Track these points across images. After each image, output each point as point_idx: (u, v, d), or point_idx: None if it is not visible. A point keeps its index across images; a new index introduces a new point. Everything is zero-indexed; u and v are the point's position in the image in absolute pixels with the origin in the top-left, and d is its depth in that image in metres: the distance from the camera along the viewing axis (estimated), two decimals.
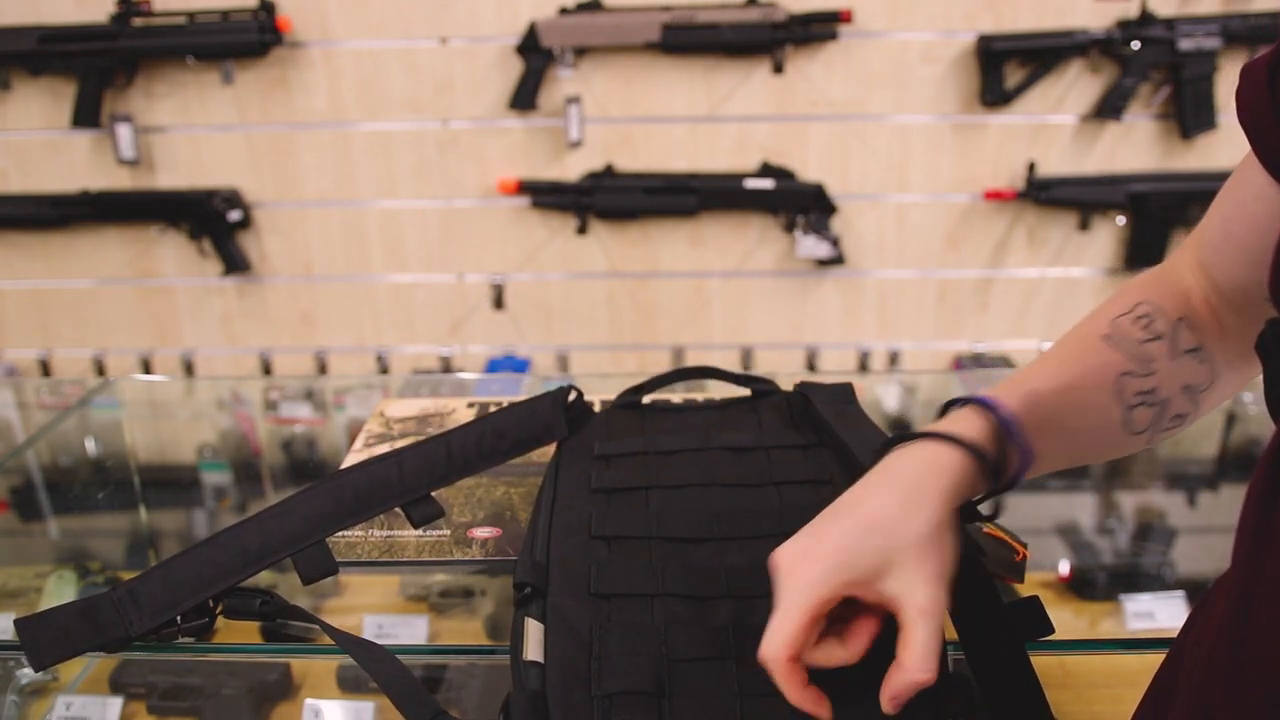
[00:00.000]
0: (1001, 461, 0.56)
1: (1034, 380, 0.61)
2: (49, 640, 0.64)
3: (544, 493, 0.73)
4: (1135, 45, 2.06)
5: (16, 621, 0.65)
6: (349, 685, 1.13)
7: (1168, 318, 0.62)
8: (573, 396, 0.81)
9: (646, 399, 0.91)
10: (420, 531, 0.83)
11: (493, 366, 2.38)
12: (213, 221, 2.25)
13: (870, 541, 0.51)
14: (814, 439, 0.77)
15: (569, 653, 0.57)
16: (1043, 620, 0.60)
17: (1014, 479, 0.58)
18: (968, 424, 0.56)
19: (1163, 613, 1.09)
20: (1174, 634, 0.57)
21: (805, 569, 0.51)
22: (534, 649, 0.58)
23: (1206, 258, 0.61)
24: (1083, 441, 0.62)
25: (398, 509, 0.75)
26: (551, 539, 0.66)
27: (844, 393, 0.82)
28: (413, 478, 0.74)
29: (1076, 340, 0.64)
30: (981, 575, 0.61)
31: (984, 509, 0.61)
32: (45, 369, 2.46)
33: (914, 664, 0.49)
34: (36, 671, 0.64)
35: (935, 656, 0.49)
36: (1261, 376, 0.62)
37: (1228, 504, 1.36)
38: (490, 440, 0.77)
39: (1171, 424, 0.63)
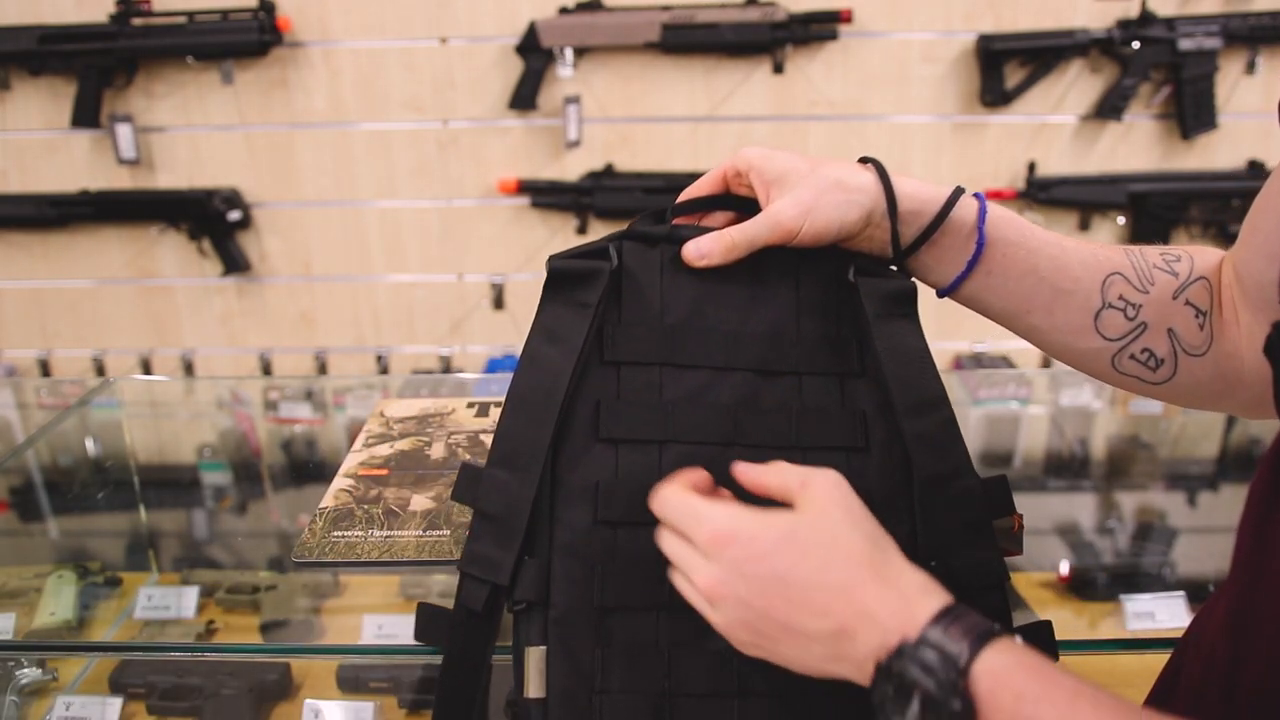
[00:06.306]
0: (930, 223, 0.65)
1: (1035, 226, 0.66)
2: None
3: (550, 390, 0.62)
4: (1135, 45, 2.06)
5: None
6: (349, 685, 1.13)
7: (1193, 270, 0.64)
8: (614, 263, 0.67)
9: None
10: (420, 531, 0.83)
11: (493, 366, 2.38)
12: (212, 221, 2.25)
13: (779, 161, 0.65)
14: (856, 363, 0.66)
15: (571, 684, 0.56)
16: (1049, 647, 0.60)
17: (971, 257, 0.65)
18: (933, 190, 0.65)
19: (1163, 613, 1.08)
20: (1174, 634, 0.57)
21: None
22: (535, 683, 0.57)
23: (1235, 252, 0.62)
24: (1045, 296, 0.65)
25: None
26: (555, 519, 0.60)
27: (902, 298, 0.67)
28: None
29: (1102, 243, 0.67)
30: (1000, 601, 0.60)
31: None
32: (45, 369, 2.46)
33: (729, 231, 0.66)
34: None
35: (743, 242, 0.65)
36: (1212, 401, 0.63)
37: (1228, 504, 1.36)
38: None
39: (1142, 359, 0.65)
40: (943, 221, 0.64)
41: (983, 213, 0.64)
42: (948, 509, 0.60)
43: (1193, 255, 0.65)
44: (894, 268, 0.68)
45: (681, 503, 0.54)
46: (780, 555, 0.50)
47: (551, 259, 0.66)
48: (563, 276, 0.66)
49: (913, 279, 0.69)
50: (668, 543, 0.55)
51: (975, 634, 0.45)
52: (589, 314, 0.64)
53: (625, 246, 0.68)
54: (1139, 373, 0.65)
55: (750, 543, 0.50)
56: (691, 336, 0.66)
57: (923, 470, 0.60)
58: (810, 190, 0.63)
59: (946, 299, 0.69)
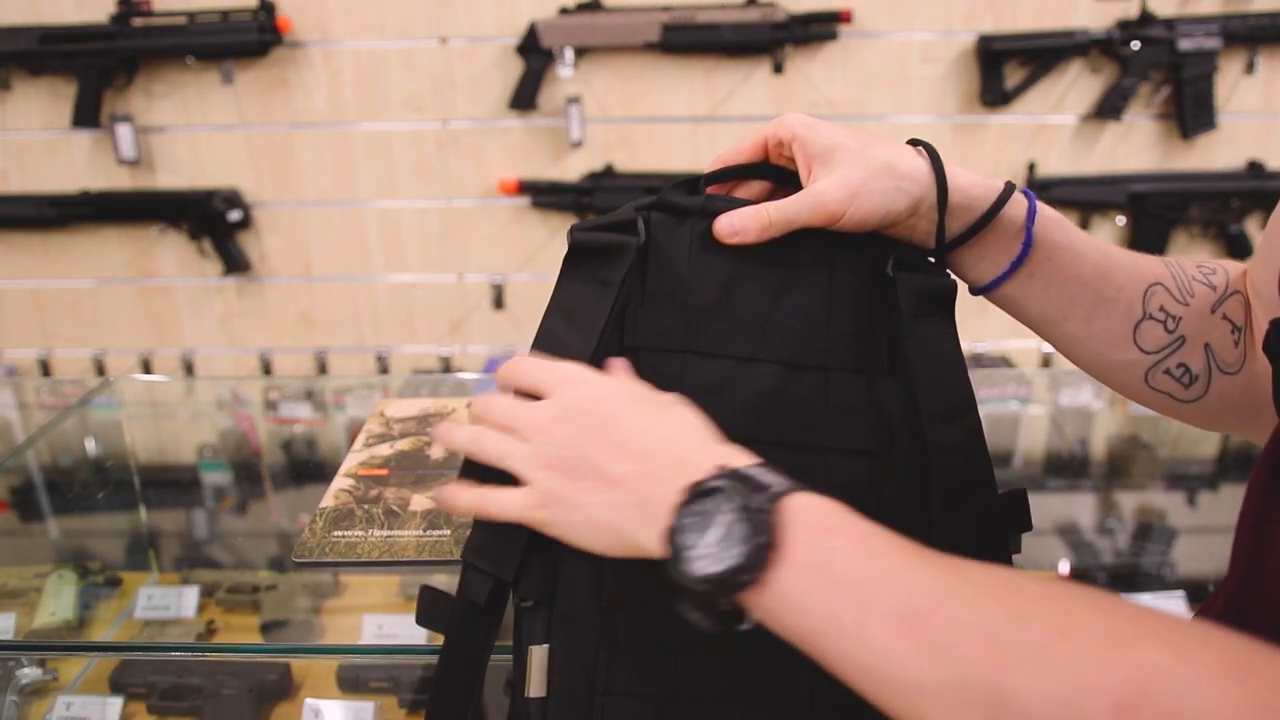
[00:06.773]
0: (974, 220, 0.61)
1: (1080, 230, 0.64)
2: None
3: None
4: (1135, 45, 2.06)
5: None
6: (349, 685, 1.13)
7: (1229, 284, 0.62)
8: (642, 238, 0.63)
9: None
10: (420, 531, 0.83)
11: (492, 366, 2.38)
12: (213, 221, 2.25)
13: (833, 136, 0.60)
14: (884, 361, 0.61)
15: (573, 685, 0.55)
16: None
17: (1016, 257, 0.62)
18: (984, 185, 0.61)
19: None
20: None
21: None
22: (537, 682, 0.55)
23: (1251, 269, 0.61)
24: (1086, 303, 0.62)
25: None
26: None
27: (940, 296, 0.62)
28: None
29: (1140, 253, 0.65)
30: None
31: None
32: (45, 369, 2.46)
33: (767, 208, 0.60)
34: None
35: (780, 221, 0.60)
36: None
37: (1228, 504, 1.36)
38: None
39: (1177, 374, 0.62)
40: (992, 219, 0.61)
41: (1032, 212, 0.61)
42: (966, 522, 0.57)
43: (1226, 269, 0.63)
44: (931, 260, 0.64)
45: (536, 363, 0.57)
46: (618, 401, 0.54)
47: (574, 230, 0.62)
48: (585, 250, 0.62)
49: (951, 276, 0.64)
50: (500, 402, 0.56)
51: (791, 481, 0.47)
52: (611, 293, 0.61)
53: (654, 218, 0.63)
54: (1171, 389, 0.63)
55: (594, 386, 0.55)
56: (717, 323, 0.61)
57: (944, 480, 0.57)
58: (859, 172, 0.59)
59: (957, 299, 0.66)
